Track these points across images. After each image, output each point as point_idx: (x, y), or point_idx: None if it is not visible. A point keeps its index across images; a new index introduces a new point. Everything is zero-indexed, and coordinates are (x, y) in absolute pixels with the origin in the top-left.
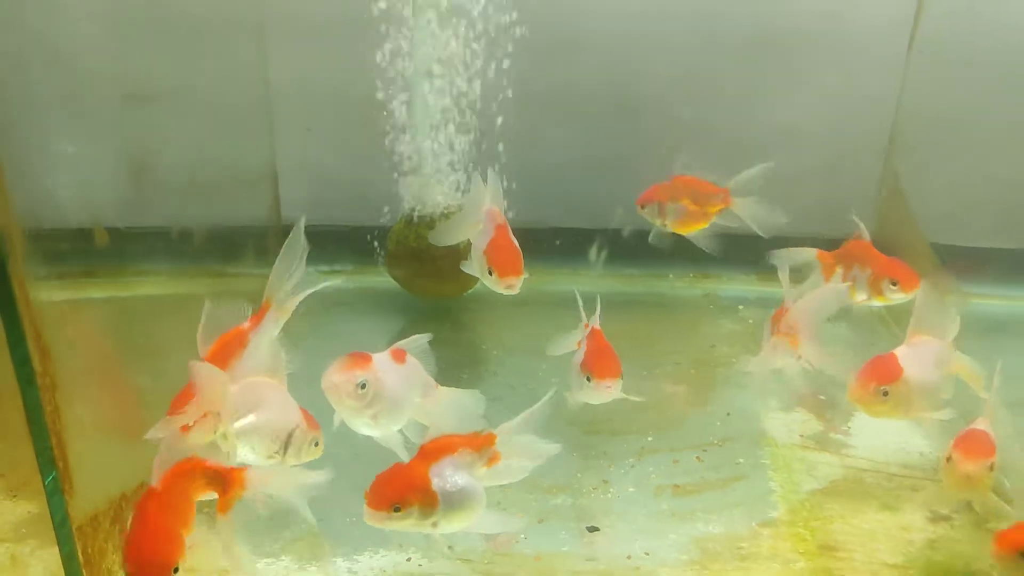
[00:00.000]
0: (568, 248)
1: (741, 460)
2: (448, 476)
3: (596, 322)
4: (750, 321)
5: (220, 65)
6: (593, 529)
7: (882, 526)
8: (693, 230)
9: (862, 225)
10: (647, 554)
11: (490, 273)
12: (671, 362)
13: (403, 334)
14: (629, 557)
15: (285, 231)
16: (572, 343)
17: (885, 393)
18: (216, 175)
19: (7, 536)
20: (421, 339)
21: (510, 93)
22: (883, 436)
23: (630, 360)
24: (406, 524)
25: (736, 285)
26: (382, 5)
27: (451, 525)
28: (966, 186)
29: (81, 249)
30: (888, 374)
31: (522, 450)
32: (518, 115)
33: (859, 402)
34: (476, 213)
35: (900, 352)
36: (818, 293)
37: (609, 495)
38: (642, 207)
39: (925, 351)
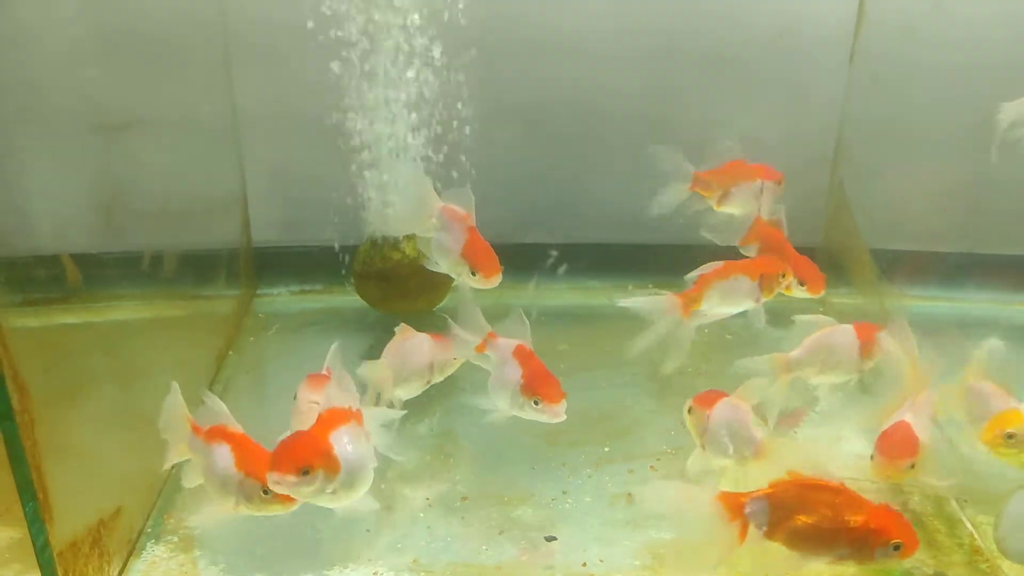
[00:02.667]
0: (532, 262)
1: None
2: (347, 443)
3: (525, 339)
4: (706, 331)
5: (187, 91)
6: (551, 538)
7: None
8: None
9: (783, 218)
10: (601, 561)
11: (473, 274)
12: (629, 373)
13: (372, 351)
14: (584, 564)
15: (256, 253)
16: (464, 353)
17: (912, 466)
18: (186, 200)
19: None
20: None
21: (474, 110)
22: (833, 446)
23: (586, 371)
24: (310, 491)
25: None
26: (341, 32)
27: (346, 494)
28: (907, 193)
29: (54, 276)
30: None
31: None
32: (481, 131)
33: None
34: (424, 206)
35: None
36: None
37: (567, 505)
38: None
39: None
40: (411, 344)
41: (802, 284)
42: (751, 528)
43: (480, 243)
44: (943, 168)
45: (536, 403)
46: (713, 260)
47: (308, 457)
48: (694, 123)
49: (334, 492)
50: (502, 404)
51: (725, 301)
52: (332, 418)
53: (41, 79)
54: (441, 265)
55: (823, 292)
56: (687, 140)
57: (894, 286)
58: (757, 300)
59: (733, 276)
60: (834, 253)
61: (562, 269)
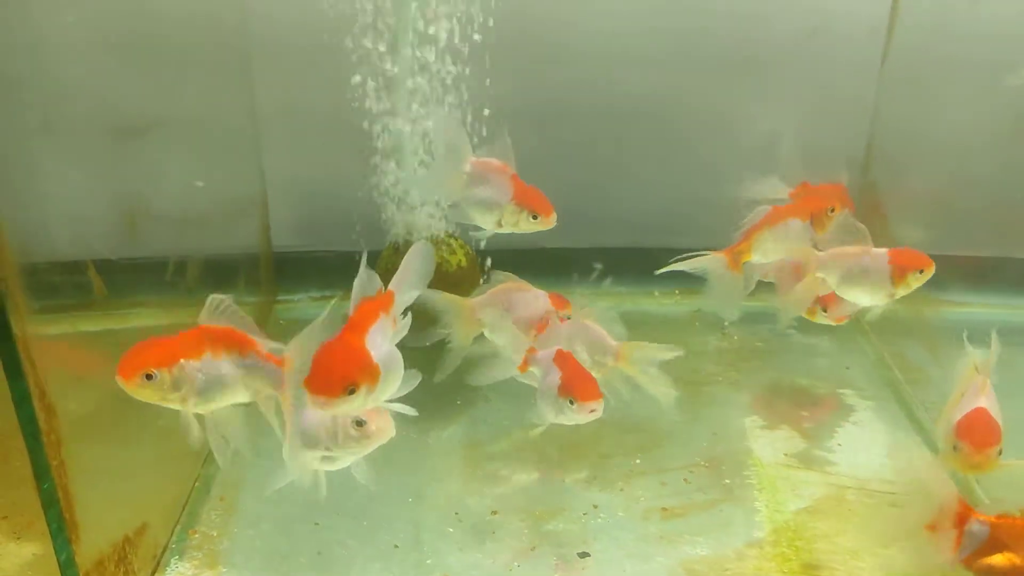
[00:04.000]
0: (555, 268)
1: (727, 480)
2: (380, 346)
3: (561, 344)
4: (735, 338)
5: (206, 95)
6: (584, 555)
7: (864, 544)
8: None
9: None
10: None
11: (534, 217)
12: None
13: None
14: None
15: (276, 258)
16: (504, 370)
17: (1000, 452)
18: (206, 205)
19: None
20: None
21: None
22: (864, 453)
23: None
24: (355, 405)
25: None
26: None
27: (385, 394)
28: (942, 195)
29: (75, 283)
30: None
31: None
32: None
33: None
34: (457, 159)
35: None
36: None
37: (599, 520)
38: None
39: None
40: (524, 296)
41: (825, 310)
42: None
43: (529, 186)
44: (979, 169)
45: (571, 403)
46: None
47: (351, 374)
48: (721, 126)
49: (376, 399)
50: (548, 413)
51: (778, 247)
52: (363, 319)
53: (61, 84)
54: (485, 221)
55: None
56: (709, 143)
57: (929, 292)
58: (811, 239)
59: (783, 220)
60: None
61: (606, 280)
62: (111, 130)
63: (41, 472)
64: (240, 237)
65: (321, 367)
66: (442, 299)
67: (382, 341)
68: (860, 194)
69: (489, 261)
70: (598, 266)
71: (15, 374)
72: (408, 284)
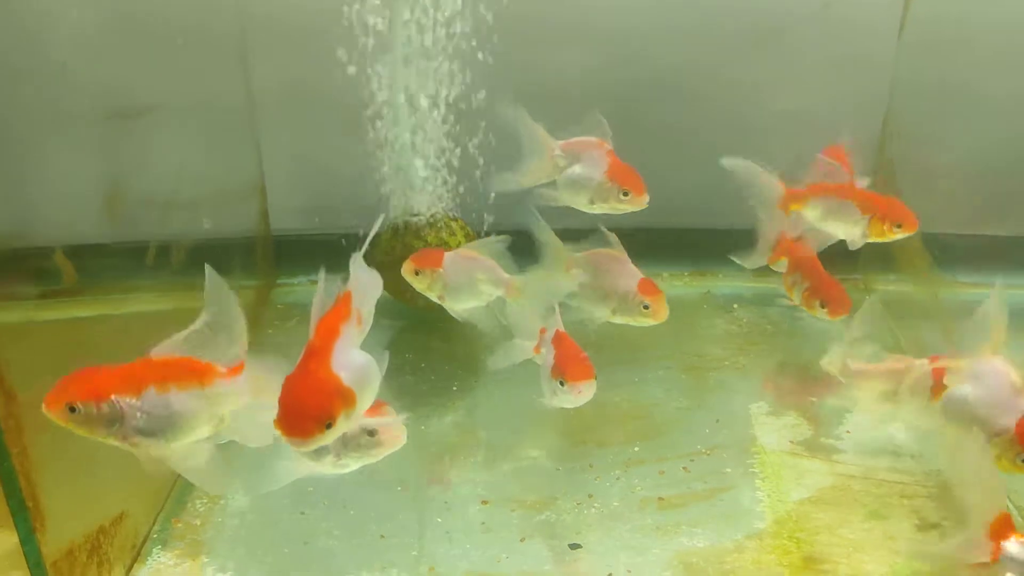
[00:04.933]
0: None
1: (729, 469)
2: (349, 364)
3: (559, 325)
4: (744, 320)
5: (202, 77)
6: (576, 546)
7: (869, 536)
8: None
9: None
10: (629, 571)
11: (625, 194)
12: (662, 366)
13: (394, 342)
14: (610, 575)
15: (275, 242)
16: (520, 353)
17: None
18: (202, 188)
19: None
20: None
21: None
22: (875, 441)
23: (618, 365)
24: (334, 435)
25: (732, 282)
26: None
27: (364, 408)
28: (962, 171)
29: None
30: None
31: (366, 292)
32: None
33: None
34: (541, 149)
35: None
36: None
37: (593, 510)
38: None
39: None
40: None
41: (823, 306)
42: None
43: (624, 164)
44: (1001, 144)
45: (561, 383)
46: (750, 242)
47: (324, 410)
48: (735, 100)
49: (352, 419)
50: (547, 395)
51: (827, 217)
52: (324, 338)
53: (55, 67)
54: (577, 200)
55: (844, 316)
56: (728, 118)
57: (946, 273)
58: (859, 236)
59: (848, 200)
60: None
61: None
62: (104, 113)
63: (0, 459)
64: (237, 220)
65: (290, 408)
66: (550, 240)
67: (349, 355)
68: (876, 170)
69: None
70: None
71: None
72: (360, 273)
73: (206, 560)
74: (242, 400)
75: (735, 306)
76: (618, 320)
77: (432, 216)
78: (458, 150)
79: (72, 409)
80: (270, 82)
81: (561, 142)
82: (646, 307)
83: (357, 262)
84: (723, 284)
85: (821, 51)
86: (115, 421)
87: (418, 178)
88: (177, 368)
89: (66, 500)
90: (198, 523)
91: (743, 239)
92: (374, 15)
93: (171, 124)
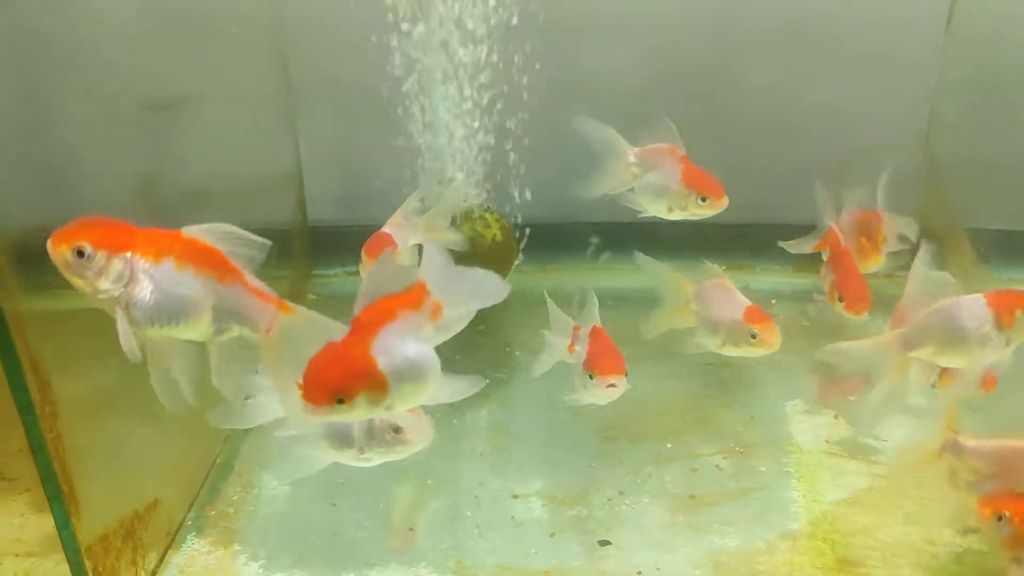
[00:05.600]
0: (603, 244)
1: (763, 468)
2: (394, 350)
3: (596, 320)
4: (781, 316)
5: (240, 67)
6: (605, 543)
7: (907, 539)
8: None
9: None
10: (658, 569)
11: (703, 200)
12: (696, 362)
13: None
14: (639, 572)
15: (311, 232)
16: (558, 353)
17: None
18: (239, 178)
19: (34, 550)
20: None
21: (537, 84)
22: (914, 441)
23: (655, 360)
24: (354, 415)
25: (770, 277)
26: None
27: (407, 403)
28: (1009, 167)
29: None
30: None
31: (459, 289)
32: (546, 107)
33: None
34: (617, 156)
35: None
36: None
37: (624, 506)
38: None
39: None
40: (727, 296)
41: (841, 300)
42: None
43: (699, 169)
44: None
45: (591, 377)
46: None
47: (343, 382)
48: (776, 95)
49: (389, 408)
50: (579, 389)
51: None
52: (373, 319)
53: (96, 58)
54: (656, 208)
55: (861, 313)
56: (769, 113)
57: (994, 270)
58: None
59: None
60: (927, 234)
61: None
62: (143, 103)
63: (36, 446)
64: (274, 211)
65: (309, 373)
66: (663, 276)
67: (401, 343)
68: (921, 168)
69: (527, 233)
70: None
71: (4, 343)
72: (443, 268)
73: (239, 548)
74: (255, 323)
75: (773, 301)
76: (730, 352)
77: (467, 208)
78: (495, 143)
79: (80, 253)
80: (308, 72)
81: (636, 149)
82: (754, 336)
83: (439, 255)
84: (761, 279)
85: (865, 46)
86: (121, 280)
87: (453, 171)
88: (203, 253)
89: (101, 486)
90: (231, 511)
91: (782, 234)
92: (411, 6)
93: (209, 114)
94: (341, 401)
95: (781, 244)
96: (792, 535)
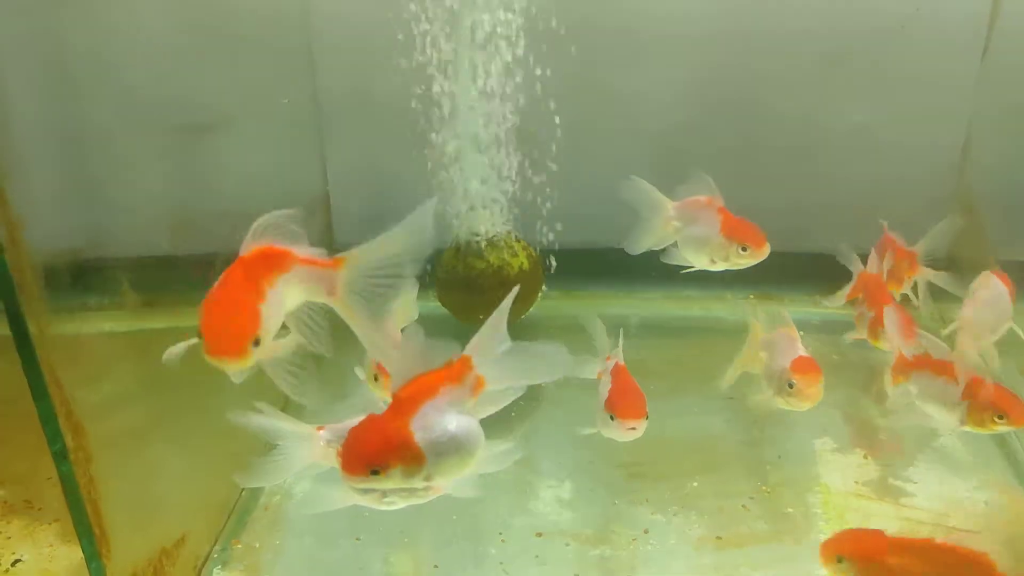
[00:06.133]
0: (625, 269)
1: (791, 509)
2: (433, 425)
3: (620, 356)
4: (810, 349)
5: (267, 88)
6: None
7: None
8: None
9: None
10: None
11: (744, 249)
12: (723, 396)
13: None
14: None
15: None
16: (588, 370)
17: None
18: (267, 200)
19: None
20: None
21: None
22: (946, 484)
23: (679, 394)
24: (391, 484)
25: (798, 307)
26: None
27: (448, 476)
28: None
29: (138, 279)
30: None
31: (506, 365)
32: (570, 127)
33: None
34: (659, 213)
35: None
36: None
37: (649, 547)
38: None
39: None
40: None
41: None
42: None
43: (738, 219)
44: None
45: (612, 418)
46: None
47: (377, 454)
48: (809, 123)
49: (428, 479)
50: (599, 423)
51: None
52: (412, 395)
53: (127, 80)
54: (698, 260)
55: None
56: (803, 136)
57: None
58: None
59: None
60: (959, 266)
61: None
62: (174, 126)
63: (71, 492)
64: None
65: (348, 444)
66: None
67: (440, 418)
68: (954, 199)
69: (553, 262)
70: None
71: (39, 394)
72: (493, 343)
73: None
74: (318, 294)
75: (802, 333)
76: (781, 404)
77: (494, 236)
78: (523, 168)
79: (375, 472)
80: (335, 93)
81: (675, 203)
82: (791, 385)
83: (493, 330)
84: (789, 309)
85: (900, 72)
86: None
87: (480, 197)
88: (266, 260)
89: (130, 524)
90: (257, 545)
91: (811, 262)
92: (439, 24)
93: (239, 136)
94: (376, 472)
95: (822, 302)
96: None
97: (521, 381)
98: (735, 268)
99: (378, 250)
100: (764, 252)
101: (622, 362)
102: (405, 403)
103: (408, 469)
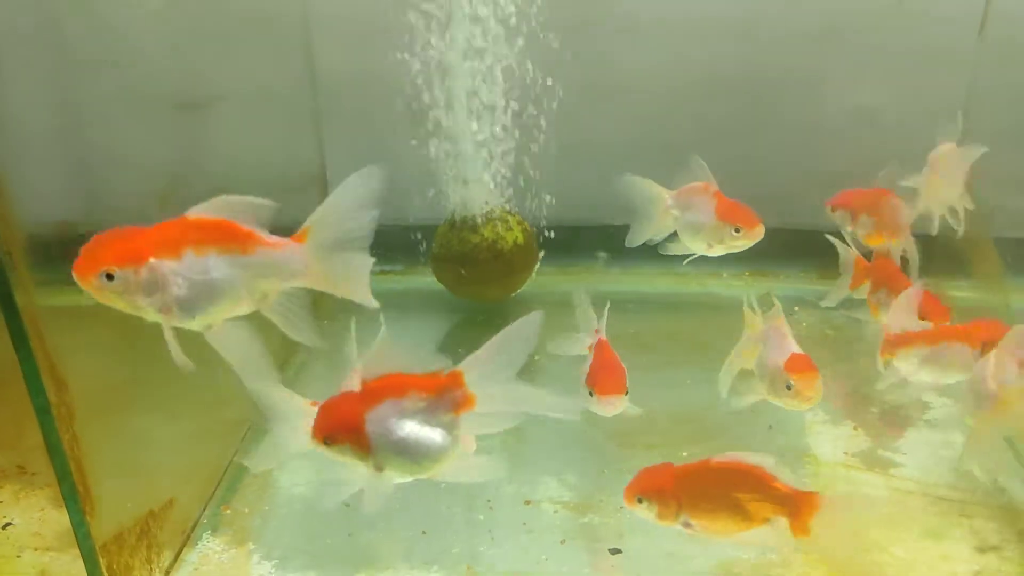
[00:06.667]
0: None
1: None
2: (384, 421)
3: (603, 331)
4: (804, 324)
5: (265, 66)
6: (616, 551)
7: (923, 555)
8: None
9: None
10: None
11: (737, 231)
12: (716, 369)
13: (448, 337)
14: None
15: None
16: (577, 346)
17: None
18: (262, 178)
19: (52, 545)
20: None
21: (563, 82)
22: (936, 455)
23: (672, 367)
24: (344, 458)
25: (794, 284)
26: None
27: (401, 474)
28: None
29: None
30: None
31: (505, 392)
32: (572, 106)
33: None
34: (657, 206)
35: None
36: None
37: (636, 515)
38: (832, 210)
39: None
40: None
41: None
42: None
43: (732, 201)
44: None
45: (591, 393)
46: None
47: (328, 426)
48: (804, 102)
49: (381, 470)
50: (582, 397)
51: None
52: (378, 388)
53: (124, 56)
54: (696, 246)
55: None
56: (798, 114)
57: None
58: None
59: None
60: (954, 242)
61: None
62: (171, 103)
63: (52, 446)
64: (297, 211)
65: (318, 412)
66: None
67: (396, 419)
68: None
69: (551, 235)
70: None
71: (22, 346)
72: (491, 364)
73: (253, 547)
74: (292, 274)
75: (796, 309)
76: (776, 402)
77: (490, 211)
78: (520, 145)
79: (109, 276)
80: (333, 72)
81: (671, 192)
82: (789, 387)
83: (498, 354)
84: (784, 285)
85: (896, 46)
86: (155, 289)
87: (477, 171)
88: (216, 231)
89: (117, 485)
90: (247, 511)
91: (806, 238)
92: (436, 5)
93: (235, 115)
94: (327, 443)
95: (825, 303)
96: (807, 548)
97: (518, 409)
98: (733, 251)
99: (331, 212)
100: (757, 233)
101: (604, 337)
102: (368, 393)
103: (356, 451)
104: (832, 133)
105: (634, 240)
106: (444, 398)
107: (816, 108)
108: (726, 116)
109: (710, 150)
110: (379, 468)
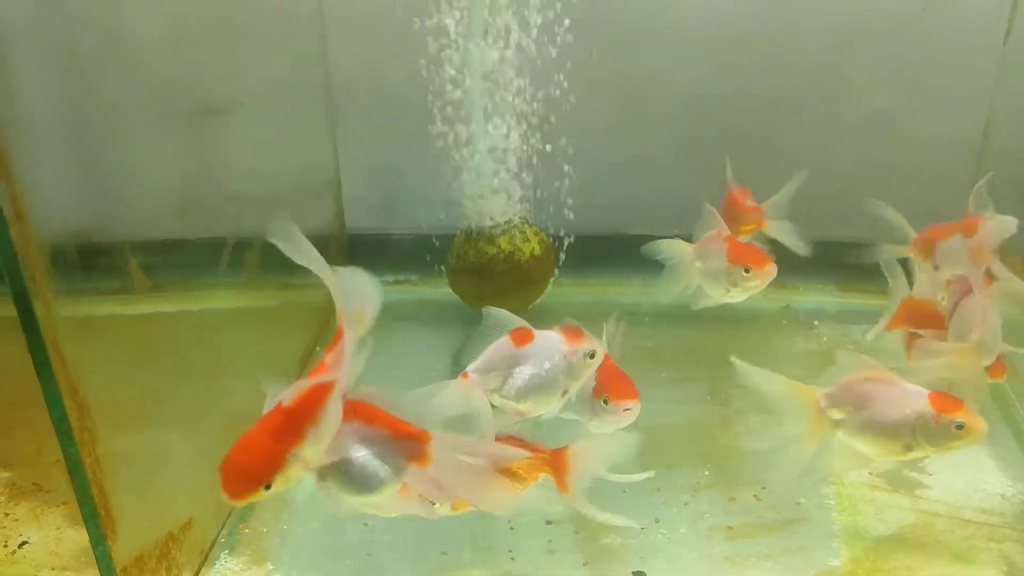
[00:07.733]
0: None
1: (803, 500)
2: (343, 438)
3: (605, 346)
4: (824, 339)
5: (280, 71)
6: (639, 574)
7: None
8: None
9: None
10: None
11: (747, 271)
12: (735, 385)
13: (464, 350)
14: None
15: (349, 239)
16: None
17: None
18: (277, 184)
19: (69, 564)
20: None
21: (579, 89)
22: (962, 476)
23: (691, 382)
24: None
25: (814, 296)
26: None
27: (337, 489)
28: None
29: (148, 262)
30: None
31: (455, 470)
32: (585, 113)
33: None
34: (683, 263)
35: None
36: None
37: (660, 536)
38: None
39: None
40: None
41: None
42: None
43: (743, 244)
44: None
45: (605, 402)
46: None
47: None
48: (827, 109)
49: (323, 480)
50: (584, 415)
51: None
52: (355, 408)
53: (139, 61)
54: (716, 292)
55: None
56: (820, 121)
57: None
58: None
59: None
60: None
61: None
62: (181, 109)
63: (75, 471)
64: (311, 218)
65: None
66: (781, 387)
67: (355, 442)
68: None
69: (566, 244)
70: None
71: (45, 374)
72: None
73: (271, 567)
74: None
75: (816, 322)
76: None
77: (507, 221)
78: (537, 153)
79: (267, 487)
80: (347, 77)
81: (693, 245)
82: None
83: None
84: (804, 298)
85: (921, 54)
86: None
87: (493, 181)
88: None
89: (137, 507)
90: (265, 530)
91: (825, 250)
92: (453, 8)
93: (250, 120)
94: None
95: (867, 336)
96: (832, 572)
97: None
98: (750, 293)
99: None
100: (768, 272)
101: (607, 351)
102: (346, 409)
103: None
104: (854, 142)
105: (665, 297)
106: (403, 444)
107: (838, 117)
108: (747, 125)
109: (730, 159)
110: (322, 477)
